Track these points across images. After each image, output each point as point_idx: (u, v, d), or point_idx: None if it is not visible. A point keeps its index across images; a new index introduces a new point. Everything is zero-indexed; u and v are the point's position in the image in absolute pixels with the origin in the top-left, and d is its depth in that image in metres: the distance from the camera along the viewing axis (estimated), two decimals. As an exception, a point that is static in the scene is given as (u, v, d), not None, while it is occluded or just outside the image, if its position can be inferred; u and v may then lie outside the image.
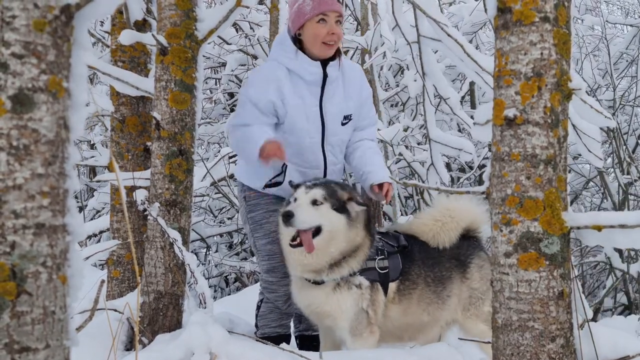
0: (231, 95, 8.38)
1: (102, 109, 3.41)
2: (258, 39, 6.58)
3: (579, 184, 7.43)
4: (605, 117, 2.17)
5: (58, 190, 1.06)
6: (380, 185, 2.91)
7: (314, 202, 2.71)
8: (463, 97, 7.28)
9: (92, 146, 7.77)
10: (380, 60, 5.23)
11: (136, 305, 2.44)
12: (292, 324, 3.27)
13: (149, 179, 3.00)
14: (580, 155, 6.76)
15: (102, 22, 5.86)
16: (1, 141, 1.00)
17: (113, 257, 3.52)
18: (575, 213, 1.83)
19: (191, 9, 2.84)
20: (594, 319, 5.01)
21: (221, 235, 7.58)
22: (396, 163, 5.77)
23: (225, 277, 7.44)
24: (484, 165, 6.90)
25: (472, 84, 7.14)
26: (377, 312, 2.80)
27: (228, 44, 7.19)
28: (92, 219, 6.78)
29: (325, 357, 2.50)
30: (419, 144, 6.66)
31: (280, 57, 2.96)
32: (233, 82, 8.01)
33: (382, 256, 2.83)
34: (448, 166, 7.46)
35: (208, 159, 7.12)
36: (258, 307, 3.17)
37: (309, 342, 3.24)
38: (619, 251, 5.83)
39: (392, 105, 7.43)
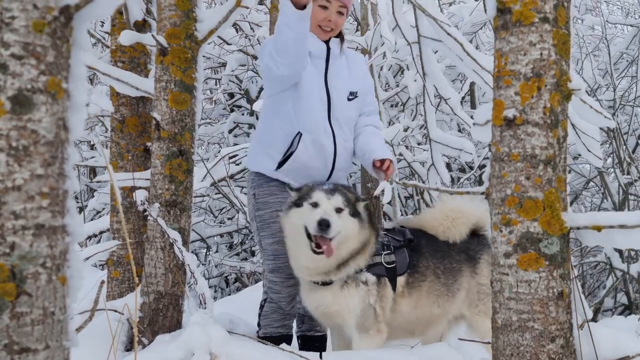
0: (231, 95, 8.38)
1: (102, 110, 3.41)
2: (258, 39, 6.59)
3: (579, 184, 7.43)
4: (605, 117, 2.16)
5: (57, 191, 1.06)
6: (382, 162, 2.94)
7: (338, 210, 2.75)
8: (463, 97, 7.28)
9: (92, 147, 7.77)
10: (380, 61, 5.24)
11: (136, 306, 2.44)
12: (294, 324, 3.28)
13: (149, 179, 3.00)
14: (580, 155, 6.74)
15: (102, 22, 5.88)
16: (0, 142, 1.00)
17: (113, 257, 3.52)
18: (575, 213, 1.83)
19: (191, 9, 2.84)
20: (594, 319, 5.00)
21: (221, 235, 7.58)
22: (396, 163, 5.77)
23: (226, 277, 7.44)
24: (484, 166, 6.90)
25: (472, 84, 7.14)
26: (384, 308, 2.81)
27: (228, 44, 7.19)
28: (92, 220, 6.78)
29: (325, 357, 2.51)
30: (419, 144, 6.66)
31: None
32: (233, 82, 8.02)
33: (389, 251, 2.86)
34: (448, 166, 7.46)
35: (208, 159, 7.13)
36: (261, 307, 3.17)
37: (311, 342, 3.24)
38: (619, 251, 5.83)
39: (392, 106, 7.43)
